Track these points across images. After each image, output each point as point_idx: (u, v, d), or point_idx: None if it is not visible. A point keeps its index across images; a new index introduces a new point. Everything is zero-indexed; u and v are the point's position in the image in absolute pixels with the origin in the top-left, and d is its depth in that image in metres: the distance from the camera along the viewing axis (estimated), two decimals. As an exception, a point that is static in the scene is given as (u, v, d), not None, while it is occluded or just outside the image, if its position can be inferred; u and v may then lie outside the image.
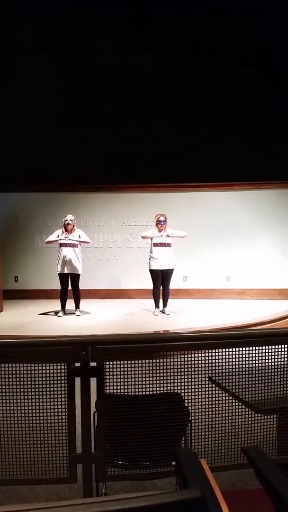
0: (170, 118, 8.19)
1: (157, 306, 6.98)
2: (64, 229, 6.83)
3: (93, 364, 2.18)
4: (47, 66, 8.22)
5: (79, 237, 6.86)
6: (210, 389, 2.23)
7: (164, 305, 7.00)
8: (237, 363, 2.24)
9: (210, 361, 2.23)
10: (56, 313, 7.01)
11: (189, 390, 2.20)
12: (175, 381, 2.20)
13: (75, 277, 6.80)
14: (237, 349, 2.25)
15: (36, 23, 7.84)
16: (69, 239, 6.76)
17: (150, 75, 8.09)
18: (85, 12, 7.89)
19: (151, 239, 6.89)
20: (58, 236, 6.82)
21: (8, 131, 8.17)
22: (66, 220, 6.80)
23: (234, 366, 2.24)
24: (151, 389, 2.18)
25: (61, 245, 6.78)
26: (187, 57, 8.16)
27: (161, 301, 7.00)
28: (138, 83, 8.23)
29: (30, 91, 8.15)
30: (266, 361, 2.26)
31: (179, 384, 2.20)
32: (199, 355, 2.24)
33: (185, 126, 8.16)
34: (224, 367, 2.24)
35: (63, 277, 6.80)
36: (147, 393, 2.17)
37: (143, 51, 7.95)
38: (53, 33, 7.98)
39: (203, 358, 2.24)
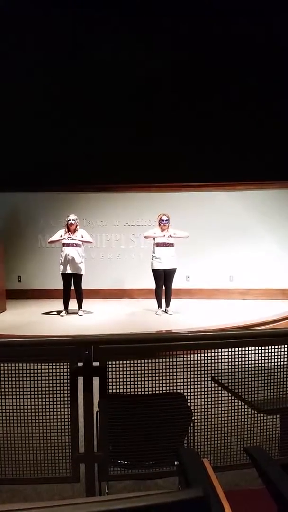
0: (172, 118, 8.19)
1: (159, 306, 6.98)
2: (67, 229, 6.84)
3: (95, 363, 2.18)
4: (49, 65, 8.23)
5: (82, 237, 6.86)
6: (212, 389, 2.23)
7: (167, 305, 7.00)
8: (239, 363, 2.23)
9: (212, 361, 2.23)
10: (59, 312, 7.01)
11: (192, 390, 2.20)
12: (178, 381, 2.20)
13: (78, 277, 6.80)
14: (239, 349, 2.24)
15: (36, 23, 7.83)
16: (72, 239, 6.77)
17: (152, 75, 8.09)
18: (86, 12, 7.89)
19: (154, 239, 6.90)
20: (61, 236, 6.83)
21: (10, 131, 8.19)
22: (69, 220, 6.81)
23: (236, 366, 2.24)
24: (153, 388, 2.18)
25: (64, 245, 6.79)
26: (189, 56, 8.15)
27: (163, 301, 7.00)
28: (141, 83, 8.23)
29: (31, 91, 8.16)
30: (269, 361, 2.26)
31: (181, 384, 2.20)
32: (202, 355, 2.24)
33: (187, 126, 8.16)
34: (226, 367, 2.24)
35: (65, 276, 6.81)
36: (150, 392, 2.17)
37: (145, 51, 7.95)
38: (54, 33, 7.97)
39: (205, 358, 2.23)
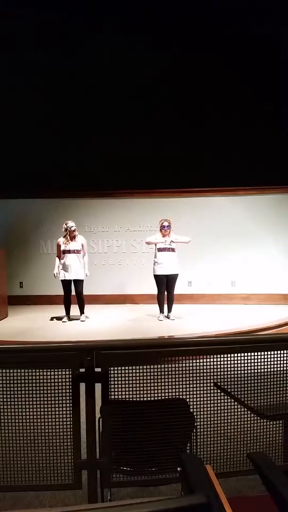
0: (173, 123, 8.21)
1: (161, 311, 6.97)
2: (67, 236, 6.84)
3: (97, 369, 2.18)
4: (47, 71, 8.25)
5: (82, 246, 6.88)
6: (215, 394, 2.22)
7: (169, 310, 6.99)
8: (242, 368, 2.23)
9: (215, 367, 2.22)
10: (60, 318, 7.01)
11: (195, 396, 2.20)
12: (180, 386, 2.19)
13: (79, 283, 6.80)
14: (242, 354, 2.24)
15: (35, 24, 7.85)
16: (72, 246, 6.78)
17: (152, 79, 8.12)
18: (85, 13, 7.93)
19: (155, 244, 6.90)
20: (62, 243, 6.84)
21: (11, 138, 8.22)
22: (70, 227, 6.80)
23: (239, 372, 2.23)
24: (156, 394, 2.17)
25: (64, 251, 6.80)
26: (190, 60, 8.18)
27: (165, 306, 6.99)
28: (140, 87, 8.25)
29: (31, 98, 8.19)
30: (272, 366, 2.25)
31: (184, 389, 2.19)
32: (204, 360, 2.23)
33: (188, 131, 8.18)
34: (229, 372, 2.23)
35: (66, 283, 6.81)
36: (152, 398, 2.16)
37: (144, 53, 7.98)
38: (51, 35, 7.99)
39: (208, 363, 2.23)
